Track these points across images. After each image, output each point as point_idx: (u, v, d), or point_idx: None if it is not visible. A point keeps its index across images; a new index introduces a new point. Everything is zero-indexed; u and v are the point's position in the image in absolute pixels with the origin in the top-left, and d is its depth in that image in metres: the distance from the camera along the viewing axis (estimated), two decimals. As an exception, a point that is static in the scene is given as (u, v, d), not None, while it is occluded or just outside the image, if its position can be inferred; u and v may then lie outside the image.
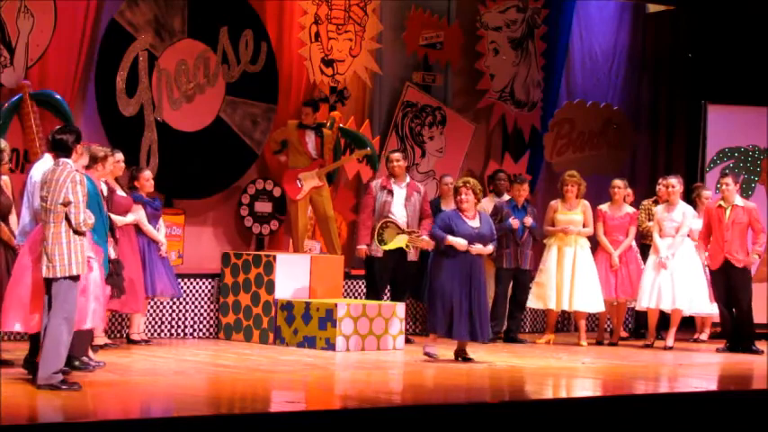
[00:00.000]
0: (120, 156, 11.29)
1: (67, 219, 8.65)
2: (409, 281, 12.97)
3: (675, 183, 13.29)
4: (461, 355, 11.31)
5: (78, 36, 12.21)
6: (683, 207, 13.22)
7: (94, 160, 9.71)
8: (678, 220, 13.12)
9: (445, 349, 11.62)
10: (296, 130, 12.99)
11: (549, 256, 13.26)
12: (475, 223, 11.15)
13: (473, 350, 12.30)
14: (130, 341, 11.92)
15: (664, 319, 13.41)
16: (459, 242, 10.97)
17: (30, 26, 11.94)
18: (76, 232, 8.67)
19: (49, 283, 8.71)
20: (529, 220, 13.05)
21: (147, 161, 12.61)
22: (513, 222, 12.99)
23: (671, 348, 13.01)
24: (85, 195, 8.74)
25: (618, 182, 13.54)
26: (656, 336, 13.32)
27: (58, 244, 8.66)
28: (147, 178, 11.90)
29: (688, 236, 13.50)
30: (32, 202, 9.32)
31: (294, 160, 13.01)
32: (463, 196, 11.16)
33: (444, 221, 11.14)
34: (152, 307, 12.61)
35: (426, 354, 11.21)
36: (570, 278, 13.12)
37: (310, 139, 13.01)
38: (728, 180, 12.89)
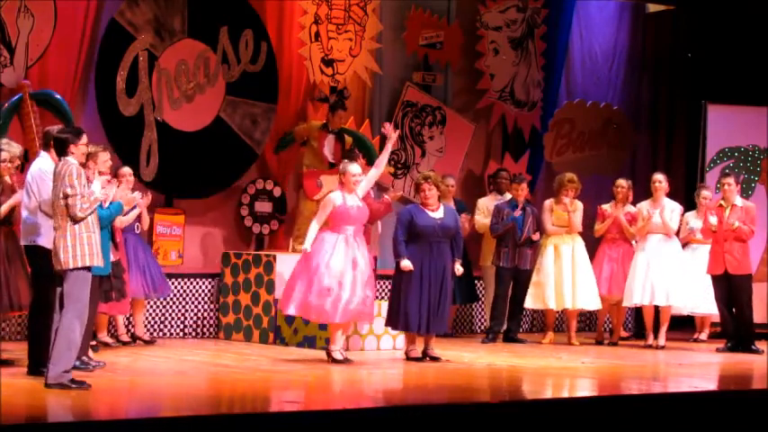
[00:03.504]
0: (106, 155, 10.93)
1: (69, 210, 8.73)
2: None
3: (662, 179, 13.27)
4: (427, 355, 11.29)
5: (78, 36, 12.22)
6: (671, 205, 13.19)
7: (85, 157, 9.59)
8: (667, 218, 13.08)
9: (444, 349, 11.62)
10: (318, 131, 13.06)
11: (546, 255, 13.24)
12: (438, 215, 11.18)
13: (473, 350, 12.31)
14: (120, 342, 11.88)
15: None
16: (406, 266, 11.00)
17: (30, 26, 11.94)
18: (75, 221, 8.71)
19: (60, 277, 8.73)
20: (537, 236, 13.07)
21: (147, 161, 12.61)
22: (535, 237, 13.01)
23: (663, 347, 12.99)
24: (84, 185, 8.79)
25: (622, 181, 13.53)
26: (654, 335, 13.31)
27: (63, 237, 8.72)
28: (125, 174, 11.53)
29: (688, 234, 13.54)
30: (32, 199, 9.36)
31: (310, 160, 13.08)
32: (426, 192, 11.21)
33: (406, 218, 11.15)
34: (152, 307, 12.62)
35: (413, 359, 11.20)
36: (570, 276, 13.12)
37: (329, 142, 13.06)
38: (730, 180, 12.90)
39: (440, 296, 11.05)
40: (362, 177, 11.14)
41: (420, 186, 11.31)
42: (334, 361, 10.86)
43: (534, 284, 13.27)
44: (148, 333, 12.38)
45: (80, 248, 8.72)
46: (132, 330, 12.13)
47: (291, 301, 10.95)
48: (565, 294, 13.11)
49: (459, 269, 11.24)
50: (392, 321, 11.25)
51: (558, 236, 13.24)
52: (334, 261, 10.85)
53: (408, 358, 11.23)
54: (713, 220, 12.68)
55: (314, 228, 11.00)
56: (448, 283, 11.14)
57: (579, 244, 13.26)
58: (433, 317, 11.04)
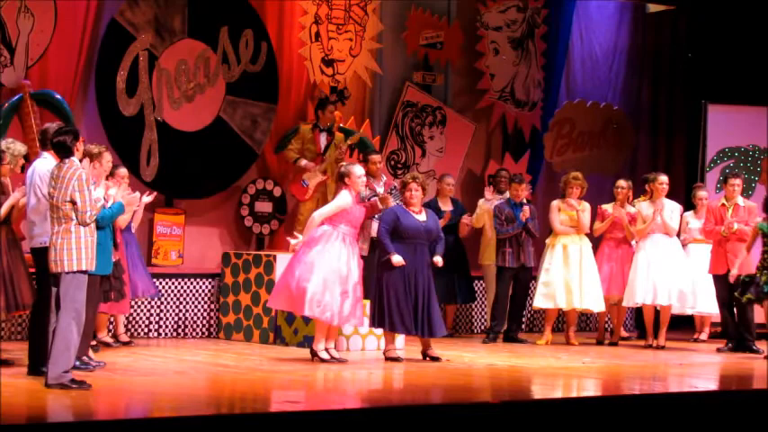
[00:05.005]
0: (109, 155, 10.91)
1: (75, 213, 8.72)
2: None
3: (666, 179, 13.27)
4: (427, 355, 11.28)
5: (78, 36, 12.22)
6: (671, 205, 13.19)
7: (89, 158, 9.62)
8: (667, 218, 13.08)
9: (444, 349, 11.62)
10: (310, 132, 13.07)
11: (554, 256, 13.20)
12: (422, 217, 11.20)
13: (473, 350, 12.32)
14: (119, 342, 11.86)
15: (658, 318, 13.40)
16: (398, 261, 10.98)
17: (30, 26, 11.95)
18: (84, 225, 8.72)
19: (56, 278, 8.72)
20: (527, 212, 12.97)
21: (147, 161, 12.61)
22: (524, 216, 12.94)
23: (663, 347, 12.99)
24: (90, 191, 8.80)
25: (622, 182, 13.52)
26: (654, 335, 13.30)
27: (66, 239, 8.70)
28: (122, 176, 11.37)
29: (688, 234, 13.55)
30: (41, 201, 9.35)
31: (309, 160, 13.10)
32: (413, 192, 11.21)
33: (391, 217, 11.14)
34: (153, 307, 12.61)
35: (391, 359, 11.18)
36: (578, 276, 13.09)
37: (322, 140, 13.06)
38: (738, 181, 12.93)
39: (426, 297, 11.04)
40: (363, 179, 11.16)
41: (407, 186, 11.27)
42: (322, 360, 10.84)
43: (544, 284, 13.23)
44: (151, 333, 12.36)
45: (84, 252, 8.70)
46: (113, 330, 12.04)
47: (279, 295, 11.00)
48: (573, 294, 13.08)
49: (438, 260, 11.21)
50: (377, 320, 11.19)
51: (566, 235, 13.22)
52: (330, 257, 10.85)
53: (387, 359, 11.19)
54: (736, 225, 12.67)
55: (316, 221, 10.93)
56: (432, 283, 11.17)
57: (587, 245, 13.24)
58: (427, 319, 11.03)
